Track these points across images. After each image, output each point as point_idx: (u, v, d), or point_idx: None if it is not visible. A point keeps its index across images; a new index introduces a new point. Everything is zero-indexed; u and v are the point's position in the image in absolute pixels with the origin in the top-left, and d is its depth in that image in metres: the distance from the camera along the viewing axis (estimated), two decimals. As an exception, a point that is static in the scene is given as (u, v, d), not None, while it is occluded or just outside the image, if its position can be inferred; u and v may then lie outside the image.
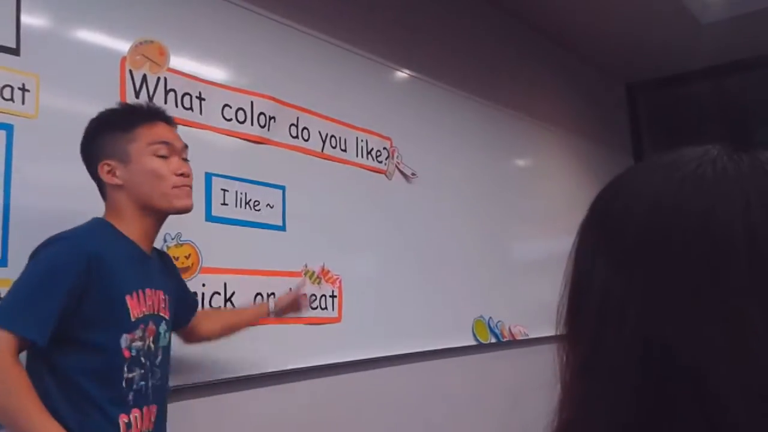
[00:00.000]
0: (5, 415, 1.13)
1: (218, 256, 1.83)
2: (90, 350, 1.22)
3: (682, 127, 5.43)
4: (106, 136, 1.32)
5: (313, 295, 2.06)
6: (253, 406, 1.89)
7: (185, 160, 1.39)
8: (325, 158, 2.20)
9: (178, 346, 1.55)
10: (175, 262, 1.60)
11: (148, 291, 1.32)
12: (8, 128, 1.44)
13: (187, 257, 1.76)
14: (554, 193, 3.48)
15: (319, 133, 2.19)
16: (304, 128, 2.13)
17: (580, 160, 3.78)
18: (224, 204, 1.86)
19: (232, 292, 1.85)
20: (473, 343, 2.74)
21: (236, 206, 1.89)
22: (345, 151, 2.29)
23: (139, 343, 1.27)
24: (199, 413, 1.76)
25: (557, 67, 3.77)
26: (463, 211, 2.80)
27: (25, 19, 1.50)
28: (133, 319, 1.26)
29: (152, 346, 1.31)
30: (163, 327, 1.36)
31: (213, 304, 1.80)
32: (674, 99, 4.97)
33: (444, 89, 2.80)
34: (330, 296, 2.12)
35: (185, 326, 1.58)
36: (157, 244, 1.47)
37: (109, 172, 1.31)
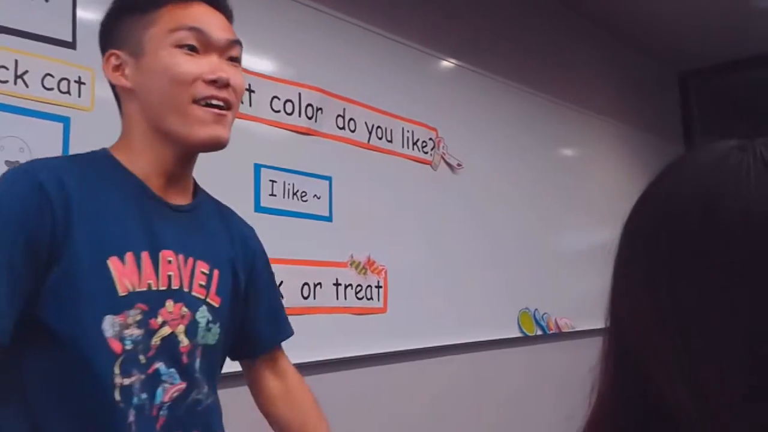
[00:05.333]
0: None
1: (266, 247, 1.85)
2: (54, 348, 0.80)
3: (735, 115, 5.27)
4: (125, 20, 0.92)
5: (359, 285, 2.07)
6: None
7: (233, 61, 0.93)
8: (371, 149, 2.20)
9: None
10: (259, 241, 1.12)
11: (166, 254, 0.89)
12: (65, 120, 1.48)
13: (236, 247, 1.78)
14: (603, 184, 3.42)
15: (366, 123, 2.19)
16: (351, 119, 2.14)
17: (630, 150, 3.70)
18: (272, 195, 1.88)
19: (280, 281, 1.87)
20: (519, 335, 2.72)
21: (284, 197, 1.91)
22: (391, 141, 2.29)
23: (136, 332, 0.84)
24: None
25: (606, 55, 3.69)
26: (509, 202, 2.78)
27: (80, 13, 1.53)
28: (121, 294, 0.83)
29: (183, 340, 0.89)
30: (203, 313, 0.92)
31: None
32: (726, 87, 4.83)
33: (490, 79, 2.77)
34: (375, 287, 2.13)
35: (250, 359, 1.11)
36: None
37: (116, 68, 0.91)
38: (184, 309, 0.90)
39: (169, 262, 0.89)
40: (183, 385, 0.89)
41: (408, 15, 2.44)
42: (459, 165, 2.54)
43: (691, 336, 0.41)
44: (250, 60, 1.90)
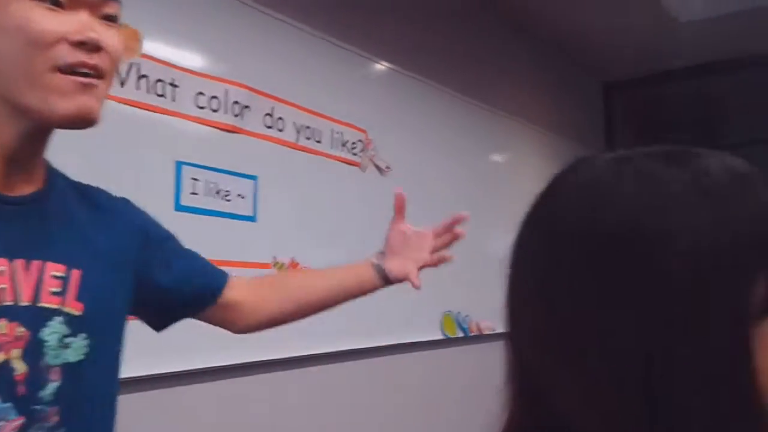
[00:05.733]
0: None
1: (187, 246, 1.80)
2: None
3: (656, 127, 5.49)
4: None
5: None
6: (189, 401, 1.88)
7: (108, 21, 0.75)
8: (298, 149, 2.18)
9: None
10: (138, 208, 0.96)
11: None
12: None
13: (154, 246, 1.72)
14: (529, 190, 3.46)
15: (294, 123, 2.16)
16: (279, 118, 2.11)
17: (556, 157, 3.80)
18: (194, 193, 1.84)
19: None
20: (441, 337, 2.75)
21: (206, 196, 1.87)
22: (320, 142, 2.27)
23: None
24: (181, 402, 1.75)
25: (536, 64, 3.78)
26: (436, 205, 2.79)
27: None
28: None
29: (19, 366, 0.72)
30: (54, 328, 0.75)
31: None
32: (650, 98, 5.03)
33: (422, 82, 2.79)
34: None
35: (212, 304, 0.99)
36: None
37: None
38: (20, 329, 0.72)
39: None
40: (19, 421, 0.71)
41: (340, 15, 2.43)
42: (388, 168, 2.54)
43: (588, 358, 0.41)
44: (175, 54, 1.84)
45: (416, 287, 1.15)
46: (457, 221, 1.22)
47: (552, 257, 0.44)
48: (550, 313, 0.44)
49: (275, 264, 2.04)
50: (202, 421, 1.84)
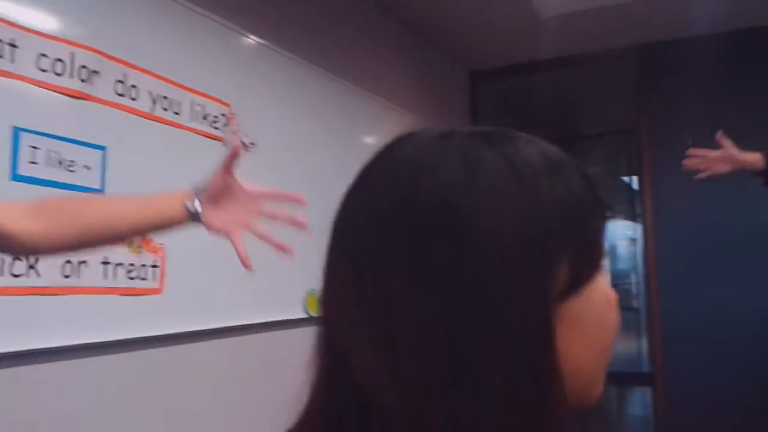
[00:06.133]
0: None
1: (24, 219, 1.68)
2: None
3: (520, 116, 5.76)
4: None
5: (132, 264, 1.95)
6: (58, 380, 1.76)
7: None
8: (154, 120, 2.07)
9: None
10: None
11: None
12: None
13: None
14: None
15: (150, 92, 2.06)
16: (132, 86, 2.00)
17: (422, 140, 3.88)
18: (33, 162, 1.70)
19: (36, 258, 1.70)
20: (304, 316, 2.74)
21: (47, 165, 1.74)
22: (178, 114, 2.17)
23: None
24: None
25: (406, 49, 3.83)
26: (302, 184, 2.78)
27: None
28: None
29: None
30: None
31: (14, 271, 1.65)
32: (515, 88, 5.25)
33: (291, 59, 2.74)
34: (151, 266, 2.02)
35: None
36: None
37: None
38: None
39: None
40: None
41: (204, -17, 2.33)
42: (252, 144, 2.48)
43: (394, 333, 0.41)
44: (13, 9, 1.69)
45: (248, 268, 1.10)
46: (287, 198, 1.15)
47: (366, 231, 0.44)
48: (360, 288, 0.43)
49: (128, 243, 1.94)
50: None
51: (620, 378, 6.09)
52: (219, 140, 2.34)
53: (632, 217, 6.49)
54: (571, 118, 6.24)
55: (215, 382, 2.31)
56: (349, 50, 3.23)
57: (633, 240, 6.82)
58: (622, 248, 7.11)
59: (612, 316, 0.47)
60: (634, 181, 5.57)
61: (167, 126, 2.12)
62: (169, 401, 2.11)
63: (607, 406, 5.87)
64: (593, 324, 0.44)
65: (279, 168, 2.64)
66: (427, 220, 0.41)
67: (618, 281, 6.94)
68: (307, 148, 2.84)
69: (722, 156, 2.20)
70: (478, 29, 3.93)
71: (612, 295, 0.47)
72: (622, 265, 7.22)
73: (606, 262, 0.47)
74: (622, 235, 7.08)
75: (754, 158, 2.19)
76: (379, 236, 0.43)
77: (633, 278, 7.02)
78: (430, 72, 4.12)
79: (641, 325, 5.71)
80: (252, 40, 2.55)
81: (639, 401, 5.50)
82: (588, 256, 0.44)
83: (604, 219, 0.46)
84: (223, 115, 2.36)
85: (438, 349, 0.40)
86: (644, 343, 5.42)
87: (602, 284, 0.46)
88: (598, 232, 0.45)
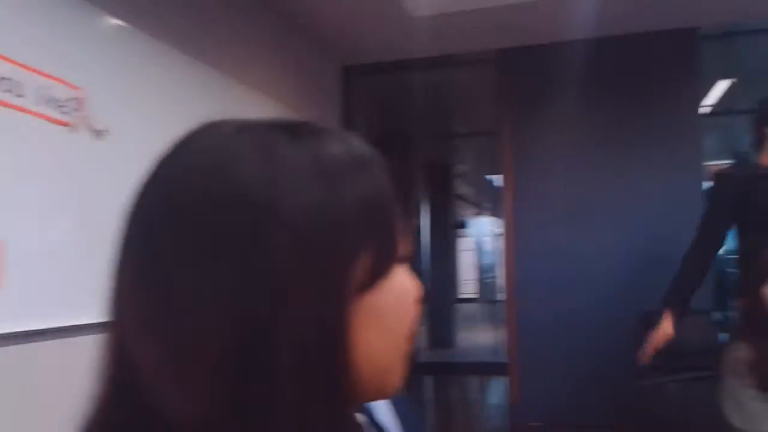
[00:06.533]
0: None
1: None
2: None
3: (392, 113, 5.84)
4: None
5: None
6: None
7: None
8: (-8, 102, 1.90)
9: None
10: None
11: None
12: None
13: None
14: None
15: (-13, 71, 1.88)
16: (-35, 63, 1.81)
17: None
18: None
19: None
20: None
21: None
22: (22, 96, 2.00)
23: None
24: None
25: (279, 40, 3.75)
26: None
27: None
28: None
29: None
30: None
31: None
32: (388, 86, 5.32)
33: (154, 43, 2.60)
34: (-15, 263, 1.85)
35: None
36: None
37: None
38: None
39: None
40: None
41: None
42: (105, 130, 2.33)
43: (180, 324, 0.39)
44: None
45: None
46: None
47: (158, 227, 0.42)
48: (149, 286, 0.41)
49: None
50: None
51: (480, 368, 6.36)
52: (67, 125, 2.18)
53: (498, 213, 6.78)
54: (444, 117, 6.41)
55: (63, 381, 2.15)
56: (220, 38, 3.12)
57: (499, 235, 7.13)
58: (488, 244, 7.41)
59: (409, 308, 0.47)
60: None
61: (7, 108, 1.94)
62: (13, 400, 1.94)
63: (468, 396, 6.10)
64: (390, 316, 0.45)
65: (136, 155, 2.50)
66: (222, 215, 0.39)
67: (483, 275, 7.24)
68: (169, 136, 2.71)
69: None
70: (352, 25, 3.93)
71: (411, 288, 0.47)
72: (488, 259, 7.53)
73: (408, 257, 0.48)
74: (488, 231, 7.38)
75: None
76: (171, 232, 0.40)
77: (498, 272, 7.35)
78: (302, 65, 4.07)
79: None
80: (112, 21, 2.39)
81: (499, 391, 5.76)
82: (386, 251, 0.44)
83: (402, 216, 0.46)
84: (74, 99, 2.20)
85: (225, 346, 0.38)
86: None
87: (401, 278, 0.46)
88: (396, 228, 0.45)
